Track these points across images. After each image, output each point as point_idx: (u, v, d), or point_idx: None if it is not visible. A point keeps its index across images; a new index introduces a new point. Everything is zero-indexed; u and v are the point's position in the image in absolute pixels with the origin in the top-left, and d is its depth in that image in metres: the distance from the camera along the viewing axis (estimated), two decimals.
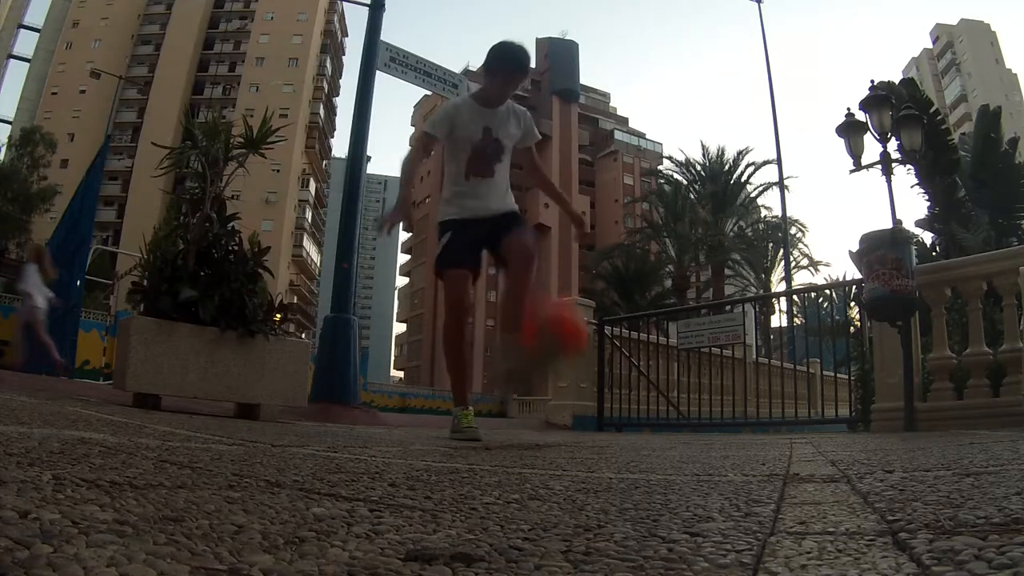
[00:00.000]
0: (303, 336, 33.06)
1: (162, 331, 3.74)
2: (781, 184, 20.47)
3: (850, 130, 7.41)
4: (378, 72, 6.53)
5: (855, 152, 7.42)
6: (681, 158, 34.98)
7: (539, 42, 65.14)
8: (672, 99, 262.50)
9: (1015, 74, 60.44)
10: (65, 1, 54.05)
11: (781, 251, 27.28)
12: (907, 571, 0.65)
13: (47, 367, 7.33)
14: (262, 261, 4.33)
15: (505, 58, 3.24)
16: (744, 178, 33.25)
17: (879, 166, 7.05)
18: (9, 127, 45.36)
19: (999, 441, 2.48)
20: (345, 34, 65.06)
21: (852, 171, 7.49)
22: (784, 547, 0.75)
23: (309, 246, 57.68)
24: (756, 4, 20.09)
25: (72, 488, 0.92)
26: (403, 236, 76.24)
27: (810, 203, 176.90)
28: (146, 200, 38.23)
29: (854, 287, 5.88)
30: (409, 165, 3.49)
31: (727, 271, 33.39)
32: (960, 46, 61.66)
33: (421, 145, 3.45)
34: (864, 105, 7.11)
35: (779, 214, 24.62)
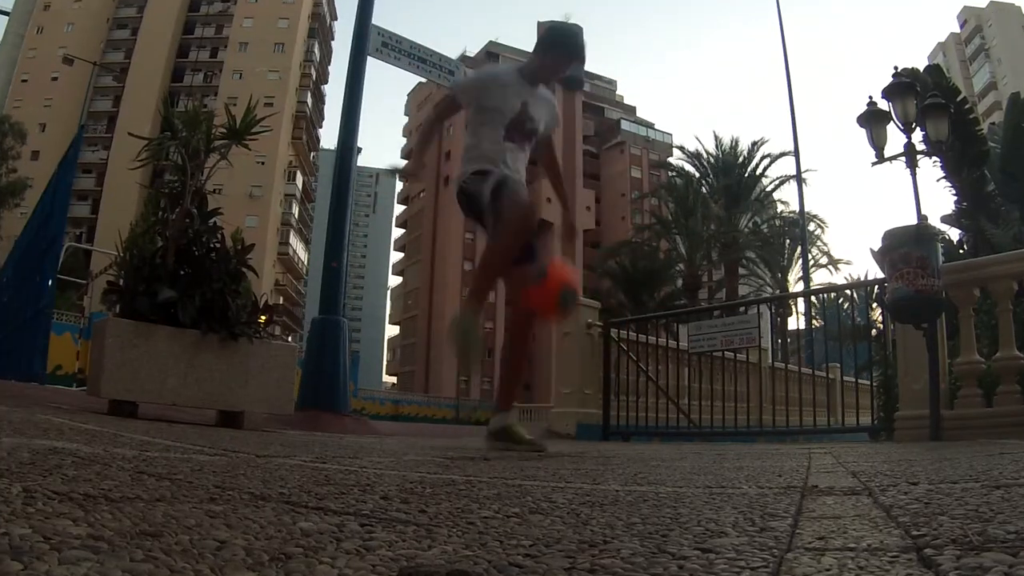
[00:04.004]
0: (289, 339, 33.07)
1: (139, 334, 3.75)
2: (799, 177, 20.49)
3: (872, 120, 7.41)
4: (369, 58, 6.54)
5: (877, 143, 7.41)
6: (692, 148, 35.02)
7: (540, 26, 65.15)
8: (683, 87, 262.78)
9: None
10: None
11: (799, 249, 27.31)
12: None
13: (16, 373, 7.33)
14: (246, 259, 4.33)
15: (563, 41, 3.29)
16: (759, 171, 33.34)
17: (903, 158, 7.05)
18: None
19: None
20: (334, 17, 65.09)
21: (874, 163, 7.48)
22: (802, 564, 0.75)
23: (296, 243, 57.70)
24: None
25: (44, 501, 0.92)
26: (396, 232, 76.36)
27: (830, 197, 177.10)
28: (122, 194, 38.22)
29: (876, 287, 5.89)
30: (427, 128, 3.58)
31: (741, 270, 33.44)
32: (989, 30, 61.63)
33: (443, 107, 3.48)
34: (887, 93, 7.10)
35: (796, 209, 24.68)
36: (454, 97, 3.44)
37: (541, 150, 3.53)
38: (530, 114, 3.28)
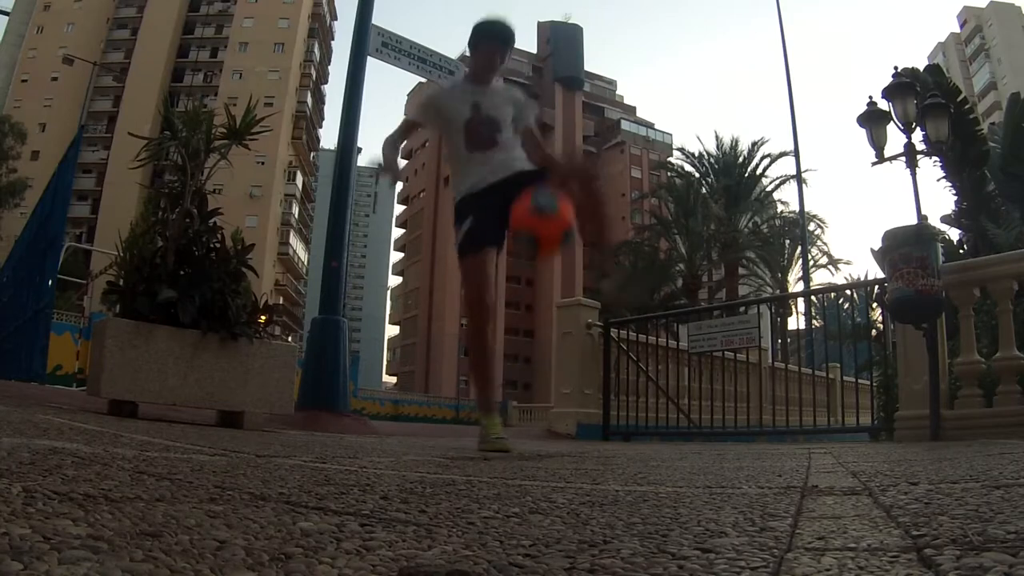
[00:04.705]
0: (289, 339, 33.06)
1: (139, 334, 3.74)
2: (799, 177, 20.48)
3: (872, 120, 7.42)
4: (369, 58, 6.54)
5: (877, 143, 7.42)
6: (692, 149, 35.03)
7: (541, 26, 65.18)
8: (683, 87, 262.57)
9: None
10: None
11: (799, 249, 27.30)
12: None
13: (16, 372, 7.33)
14: (246, 259, 4.33)
15: (480, 32, 3.36)
16: (759, 171, 33.33)
17: (903, 158, 7.06)
18: None
19: None
20: (334, 17, 65.09)
21: (874, 163, 7.50)
22: (802, 564, 0.75)
23: (296, 243, 57.68)
24: None
25: (44, 501, 0.92)
26: (396, 233, 76.37)
27: (830, 197, 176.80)
28: (122, 195, 38.13)
29: (876, 287, 5.89)
30: (386, 147, 3.60)
31: (741, 270, 33.44)
32: (989, 30, 61.64)
33: (402, 128, 3.74)
34: (887, 93, 7.11)
35: (796, 209, 24.67)
36: (409, 120, 3.72)
37: (525, 144, 3.52)
38: (485, 114, 3.31)
